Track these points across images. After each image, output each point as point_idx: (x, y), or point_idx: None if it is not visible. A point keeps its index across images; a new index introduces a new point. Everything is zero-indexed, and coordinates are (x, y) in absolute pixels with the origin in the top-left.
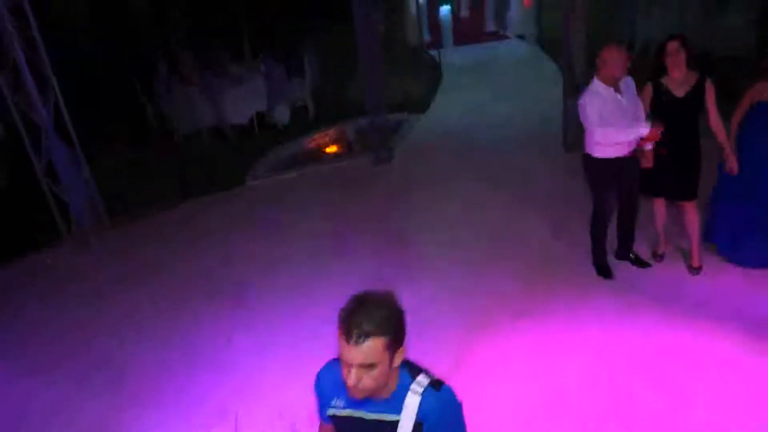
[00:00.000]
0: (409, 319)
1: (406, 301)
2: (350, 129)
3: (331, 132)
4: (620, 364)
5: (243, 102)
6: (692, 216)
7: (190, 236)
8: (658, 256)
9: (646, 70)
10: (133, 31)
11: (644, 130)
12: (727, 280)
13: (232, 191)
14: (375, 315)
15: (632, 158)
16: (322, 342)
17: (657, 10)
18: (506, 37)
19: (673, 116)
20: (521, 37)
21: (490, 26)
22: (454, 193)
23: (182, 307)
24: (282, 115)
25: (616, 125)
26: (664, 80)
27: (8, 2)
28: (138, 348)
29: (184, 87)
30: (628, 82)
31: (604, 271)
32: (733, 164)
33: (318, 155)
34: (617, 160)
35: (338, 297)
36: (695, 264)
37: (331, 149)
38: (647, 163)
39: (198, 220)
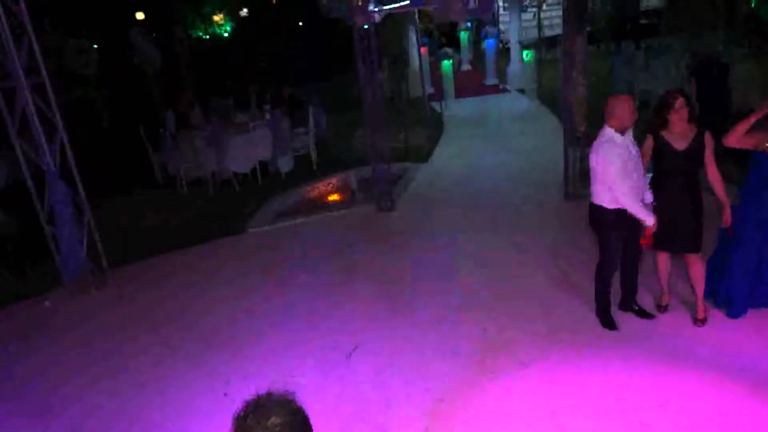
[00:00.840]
0: (408, 365)
1: (406, 348)
2: (353, 178)
3: (334, 181)
4: (624, 415)
5: (247, 151)
6: (697, 268)
7: (191, 283)
8: (662, 308)
9: (646, 123)
10: (142, 80)
11: (650, 221)
12: (732, 332)
13: (233, 238)
14: (269, 423)
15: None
16: (318, 396)
17: (655, 64)
18: (506, 91)
19: (675, 169)
20: (521, 90)
21: (491, 80)
22: (455, 243)
23: (180, 355)
24: (285, 163)
25: (632, 176)
26: (664, 134)
27: (23, 57)
28: (132, 397)
29: (189, 135)
30: (629, 135)
31: (608, 322)
32: (727, 217)
33: (320, 204)
34: (620, 210)
35: (334, 349)
36: (700, 316)
37: (334, 198)
38: (643, 241)
39: (199, 268)
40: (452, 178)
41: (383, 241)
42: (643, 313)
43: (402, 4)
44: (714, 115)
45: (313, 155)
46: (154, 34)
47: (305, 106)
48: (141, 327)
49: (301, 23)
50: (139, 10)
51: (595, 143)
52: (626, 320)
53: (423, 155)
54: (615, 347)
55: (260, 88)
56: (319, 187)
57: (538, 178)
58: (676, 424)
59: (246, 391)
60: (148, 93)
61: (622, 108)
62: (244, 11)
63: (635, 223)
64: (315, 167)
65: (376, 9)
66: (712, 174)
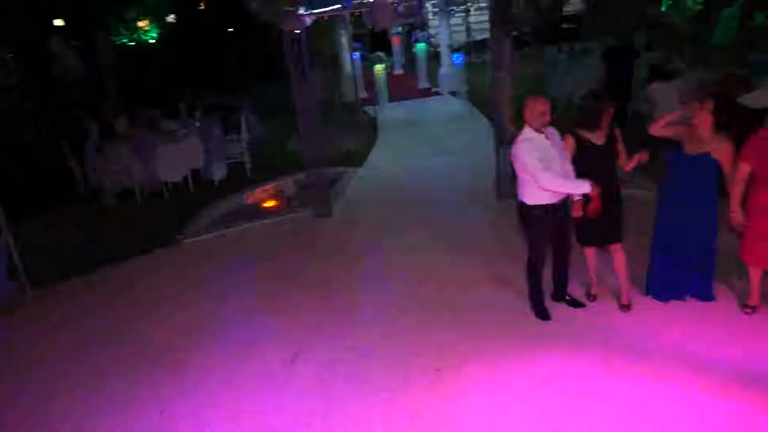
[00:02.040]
0: (352, 369)
1: (349, 353)
2: (289, 184)
3: (269, 187)
4: (560, 400)
5: (178, 159)
6: (619, 256)
7: (123, 299)
8: (592, 297)
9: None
10: (63, 89)
11: (586, 187)
12: (655, 318)
13: (166, 251)
14: None
15: (563, 204)
16: (260, 406)
17: (577, 67)
18: (439, 94)
19: (596, 164)
20: (453, 93)
21: (424, 83)
22: (393, 245)
23: (114, 372)
24: (218, 171)
25: (552, 171)
26: (582, 132)
27: None
28: (69, 416)
29: (115, 145)
30: (553, 134)
31: (542, 313)
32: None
33: (256, 211)
34: (550, 206)
35: (271, 362)
36: (624, 302)
37: (270, 205)
38: (576, 212)
39: (130, 283)
40: (388, 181)
41: (322, 247)
42: (574, 303)
43: (332, 8)
44: (619, 90)
45: (247, 162)
46: (75, 42)
47: (238, 112)
48: (73, 346)
49: (231, 29)
50: (60, 17)
51: (515, 143)
52: (559, 310)
53: (359, 159)
54: (549, 336)
55: (190, 95)
56: (254, 195)
57: (471, 178)
58: (607, 406)
59: (185, 406)
60: (70, 103)
61: (532, 109)
62: (171, 17)
63: (560, 218)
64: (249, 174)
65: (306, 13)
66: (623, 161)
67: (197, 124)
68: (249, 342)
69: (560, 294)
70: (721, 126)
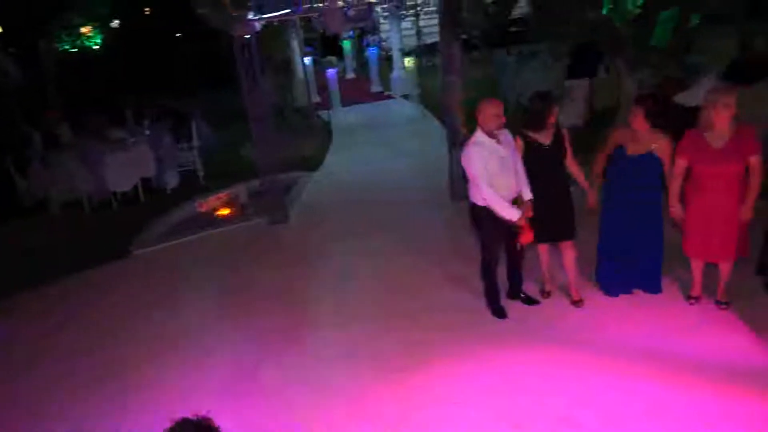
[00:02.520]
0: (315, 376)
1: (311, 360)
2: (243, 191)
3: (223, 195)
4: (520, 395)
5: (127, 168)
6: (569, 253)
7: (74, 314)
8: (546, 294)
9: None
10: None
11: (515, 215)
12: (605, 310)
13: (116, 263)
14: None
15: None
16: (224, 416)
17: (526, 69)
18: (392, 97)
19: (544, 163)
20: (405, 96)
21: (376, 87)
22: (350, 249)
23: (73, 388)
24: (170, 180)
25: (497, 176)
26: (530, 133)
27: None
28: None
29: (60, 154)
30: (506, 135)
31: (498, 312)
32: (593, 199)
33: (211, 219)
34: None
35: (231, 373)
36: (575, 298)
37: (224, 213)
38: (527, 212)
39: (80, 296)
40: (344, 185)
41: (278, 253)
42: (529, 300)
43: (282, 13)
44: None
45: (200, 170)
46: (14, 49)
47: (188, 119)
48: (19, 362)
49: (179, 34)
50: None
51: (465, 146)
52: (515, 308)
53: (314, 164)
54: (506, 334)
55: (137, 102)
56: (208, 203)
57: (426, 180)
58: (564, 400)
59: (144, 419)
60: (9, 111)
61: (484, 113)
62: (116, 22)
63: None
64: (202, 182)
65: (256, 18)
66: (571, 161)
67: (146, 131)
68: (208, 352)
69: (515, 292)
70: (658, 126)
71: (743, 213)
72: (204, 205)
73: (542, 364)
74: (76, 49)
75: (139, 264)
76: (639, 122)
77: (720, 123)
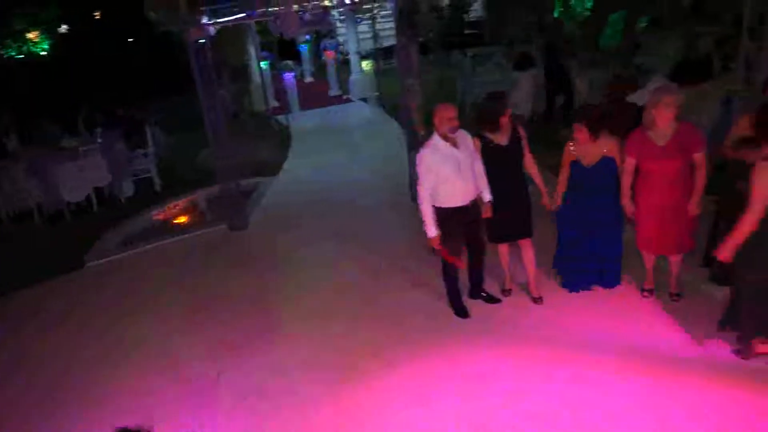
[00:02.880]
0: (278, 382)
1: (271, 367)
2: (201, 198)
3: (181, 202)
4: (484, 394)
5: (79, 177)
6: (529, 252)
7: (28, 328)
8: (507, 292)
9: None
10: None
11: (431, 233)
12: (565, 306)
13: (70, 275)
14: None
15: (472, 207)
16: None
17: (481, 71)
18: (350, 101)
19: (501, 163)
20: (364, 99)
21: (335, 90)
22: (312, 254)
23: (28, 402)
24: (125, 188)
25: (450, 178)
26: (487, 133)
27: None
28: None
29: (8, 165)
30: (464, 137)
31: (460, 311)
32: (556, 201)
33: (168, 228)
34: (458, 208)
35: (197, 379)
36: (535, 295)
37: (182, 220)
38: (486, 213)
39: (35, 309)
40: (304, 189)
41: (239, 260)
42: (490, 299)
43: (236, 17)
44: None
45: (156, 177)
46: None
47: (143, 126)
48: None
49: (131, 39)
50: None
51: (420, 150)
52: (477, 307)
53: (273, 169)
54: (468, 333)
55: (87, 109)
56: (165, 211)
57: (386, 182)
58: (526, 397)
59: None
60: None
61: (440, 116)
62: (64, 28)
63: (470, 220)
64: (159, 190)
65: (210, 22)
66: (528, 161)
67: (99, 139)
68: (169, 364)
69: (477, 291)
70: (602, 131)
71: (690, 208)
72: (161, 213)
73: (506, 361)
74: (22, 56)
75: (94, 276)
76: (585, 138)
77: (662, 122)
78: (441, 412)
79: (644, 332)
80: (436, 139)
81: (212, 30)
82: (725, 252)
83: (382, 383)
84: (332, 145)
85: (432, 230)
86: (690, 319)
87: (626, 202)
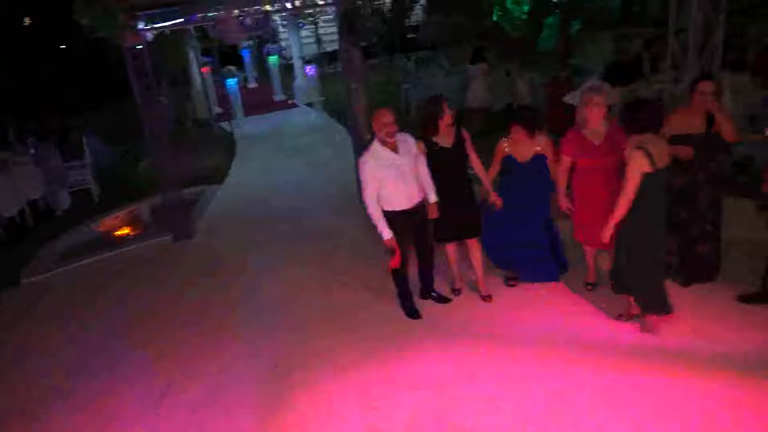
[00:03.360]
0: (229, 395)
1: (222, 378)
2: (143, 208)
3: (122, 214)
4: (438, 391)
5: (11, 191)
6: (476, 251)
7: None
8: (456, 291)
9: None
10: None
11: (386, 235)
12: (512, 302)
13: (4, 293)
14: None
15: (418, 209)
16: None
17: (424, 74)
18: (295, 106)
19: (446, 165)
20: (309, 104)
21: (279, 96)
22: (260, 262)
23: None
24: (61, 201)
25: (396, 185)
26: (429, 136)
27: None
28: None
29: None
30: (406, 140)
31: (412, 313)
32: (496, 200)
33: (109, 240)
34: (405, 211)
35: (144, 394)
36: (483, 293)
37: (124, 232)
38: (432, 214)
39: None
40: (251, 197)
41: (185, 271)
42: (441, 299)
43: (174, 22)
44: None
45: (95, 189)
46: None
47: (78, 136)
48: None
49: (63, 46)
50: None
51: (361, 156)
52: (428, 307)
53: (218, 177)
54: (420, 334)
55: (14, 120)
56: (105, 223)
57: (333, 187)
58: (485, 392)
59: None
60: None
61: (378, 121)
62: None
63: (417, 222)
64: (98, 201)
65: (146, 28)
66: (475, 162)
67: (31, 150)
68: (113, 381)
69: (427, 292)
70: (537, 129)
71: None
72: (101, 225)
73: (458, 360)
74: None
75: (31, 293)
76: (522, 137)
77: (594, 120)
78: (395, 415)
79: (590, 327)
80: (375, 145)
81: (149, 35)
82: (605, 235)
83: (335, 389)
84: (279, 151)
85: (387, 232)
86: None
87: (562, 198)
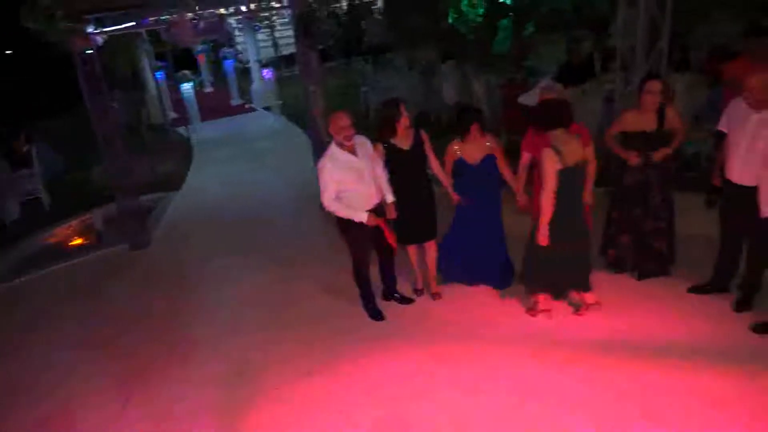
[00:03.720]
0: (192, 405)
1: (185, 389)
2: (97, 217)
3: (75, 223)
4: (403, 391)
5: None
6: (432, 253)
7: None
8: (419, 292)
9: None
10: None
11: (363, 217)
12: (475, 301)
13: None
14: None
15: (377, 210)
16: None
17: (383, 77)
18: (253, 110)
19: (405, 167)
20: (267, 108)
21: (236, 100)
22: (220, 270)
23: None
24: (9, 212)
25: (355, 188)
26: (387, 138)
27: None
28: None
29: None
30: (363, 143)
31: (375, 314)
32: (457, 198)
33: (63, 251)
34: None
35: (103, 407)
36: (434, 290)
37: (78, 242)
38: (390, 214)
39: None
40: (210, 203)
41: (142, 280)
42: (403, 300)
43: (125, 26)
44: None
45: (46, 198)
46: None
47: (26, 144)
48: None
49: (8, 51)
50: None
51: (320, 160)
52: (391, 309)
53: (175, 183)
54: (384, 335)
55: None
56: (58, 233)
57: (293, 191)
58: (446, 389)
59: None
60: None
61: (334, 124)
62: None
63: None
64: (49, 210)
65: (96, 32)
66: (434, 164)
67: None
68: (69, 396)
69: (390, 293)
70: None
71: (585, 199)
72: (54, 235)
73: (422, 359)
74: None
75: None
76: (476, 136)
77: None
78: (358, 418)
79: (546, 322)
80: (333, 148)
81: (99, 40)
82: (542, 236)
83: (299, 394)
84: (236, 156)
85: (360, 214)
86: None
87: (522, 195)
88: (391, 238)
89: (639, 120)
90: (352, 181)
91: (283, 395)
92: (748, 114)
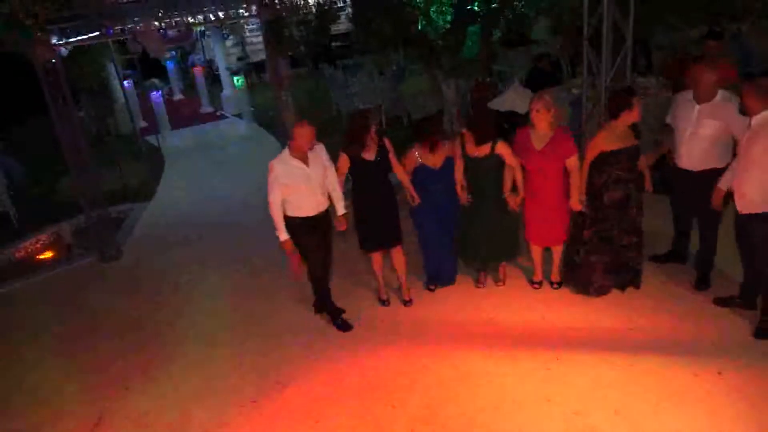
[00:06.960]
0: (167, 418)
1: (160, 401)
2: (66, 230)
3: (43, 236)
4: (374, 399)
5: None
6: (400, 257)
7: None
8: (385, 302)
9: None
10: None
11: (283, 237)
12: (438, 304)
13: None
14: None
15: (322, 217)
16: None
17: (353, 82)
18: (224, 117)
19: (370, 177)
20: (238, 115)
21: (207, 107)
22: (192, 281)
23: None
24: None
25: (299, 189)
26: (352, 148)
27: None
28: None
29: None
30: (318, 153)
31: (342, 325)
32: (416, 199)
33: (30, 265)
34: (309, 218)
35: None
36: (406, 297)
37: (47, 255)
38: (340, 227)
39: None
40: (181, 213)
41: (114, 293)
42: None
43: (90, 36)
44: None
45: (11, 211)
46: None
47: None
48: None
49: None
50: None
51: (270, 164)
52: (363, 316)
53: (146, 193)
54: (353, 343)
55: None
56: (25, 248)
57: (265, 200)
58: (418, 392)
59: None
60: None
61: (296, 132)
62: None
63: (325, 229)
64: (16, 224)
65: (60, 43)
66: (399, 172)
67: None
68: (44, 414)
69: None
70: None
71: (572, 205)
72: (20, 250)
73: (394, 364)
74: None
75: None
76: (437, 144)
77: (537, 125)
78: (331, 428)
79: (537, 321)
80: (285, 154)
81: (63, 50)
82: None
83: (271, 405)
84: (208, 165)
85: (282, 234)
86: (576, 305)
87: (509, 196)
88: (297, 269)
89: (615, 138)
90: (300, 186)
91: (258, 408)
92: (693, 105)
